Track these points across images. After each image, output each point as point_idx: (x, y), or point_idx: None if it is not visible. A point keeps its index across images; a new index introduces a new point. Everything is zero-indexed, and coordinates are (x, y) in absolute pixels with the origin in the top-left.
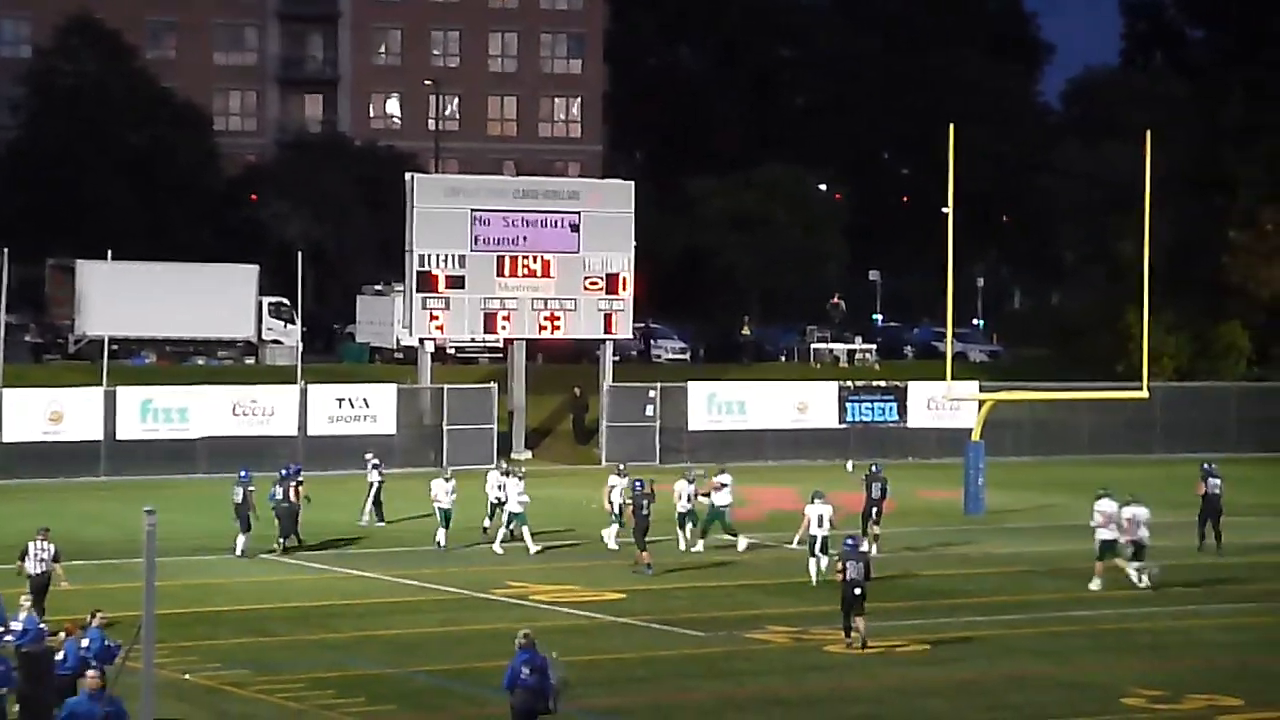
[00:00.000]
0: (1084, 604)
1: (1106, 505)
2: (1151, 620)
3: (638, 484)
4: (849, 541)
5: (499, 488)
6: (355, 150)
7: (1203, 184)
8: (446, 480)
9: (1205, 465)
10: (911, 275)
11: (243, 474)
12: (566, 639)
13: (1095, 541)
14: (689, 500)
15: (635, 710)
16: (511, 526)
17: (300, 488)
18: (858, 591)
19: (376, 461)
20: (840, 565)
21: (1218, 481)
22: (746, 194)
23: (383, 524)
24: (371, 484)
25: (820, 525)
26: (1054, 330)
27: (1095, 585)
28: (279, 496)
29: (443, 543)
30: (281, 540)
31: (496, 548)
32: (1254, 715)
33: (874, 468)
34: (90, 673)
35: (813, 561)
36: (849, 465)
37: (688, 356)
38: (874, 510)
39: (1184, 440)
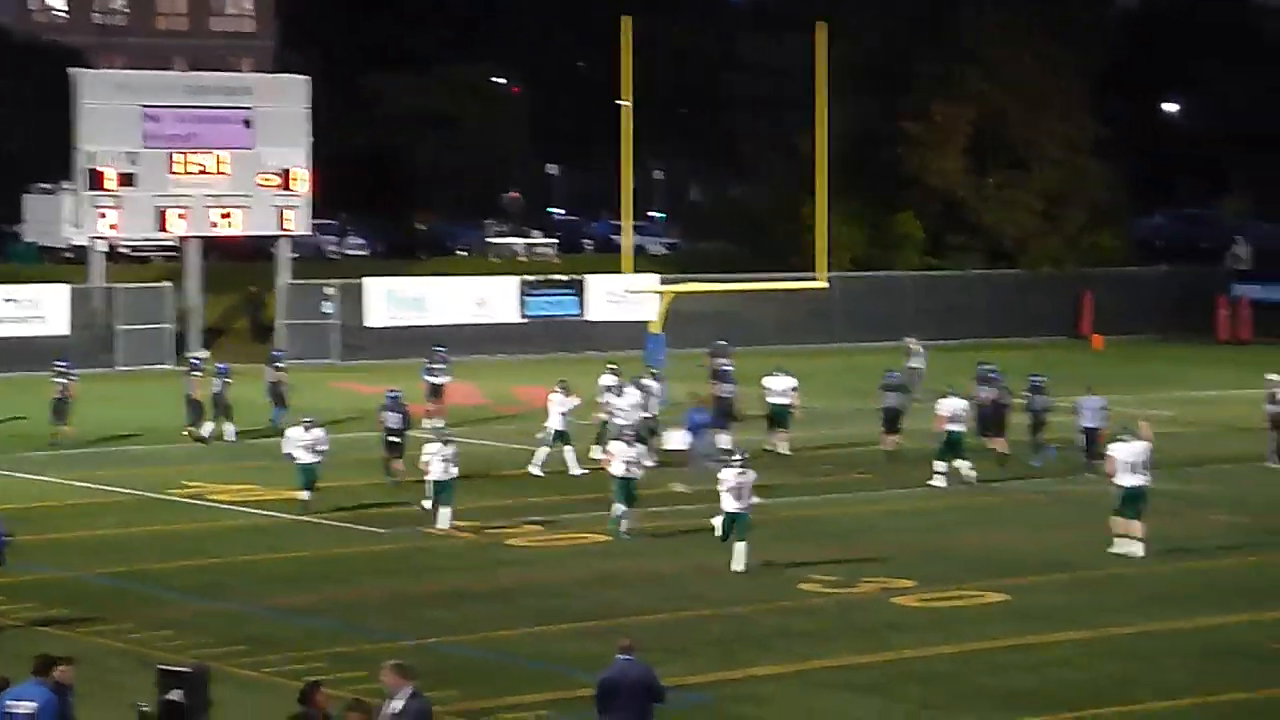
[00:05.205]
0: (767, 493)
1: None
2: (831, 507)
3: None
4: (390, 393)
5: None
6: (17, 45)
7: (881, 77)
8: (447, 452)
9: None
10: (591, 169)
11: (221, 367)
12: (248, 538)
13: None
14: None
15: (319, 609)
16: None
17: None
18: (395, 440)
19: None
20: (380, 416)
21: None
22: (430, 91)
23: None
24: None
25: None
26: (734, 222)
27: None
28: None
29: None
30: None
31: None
32: (924, 594)
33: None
34: None
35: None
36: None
37: (367, 253)
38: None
39: (863, 329)
